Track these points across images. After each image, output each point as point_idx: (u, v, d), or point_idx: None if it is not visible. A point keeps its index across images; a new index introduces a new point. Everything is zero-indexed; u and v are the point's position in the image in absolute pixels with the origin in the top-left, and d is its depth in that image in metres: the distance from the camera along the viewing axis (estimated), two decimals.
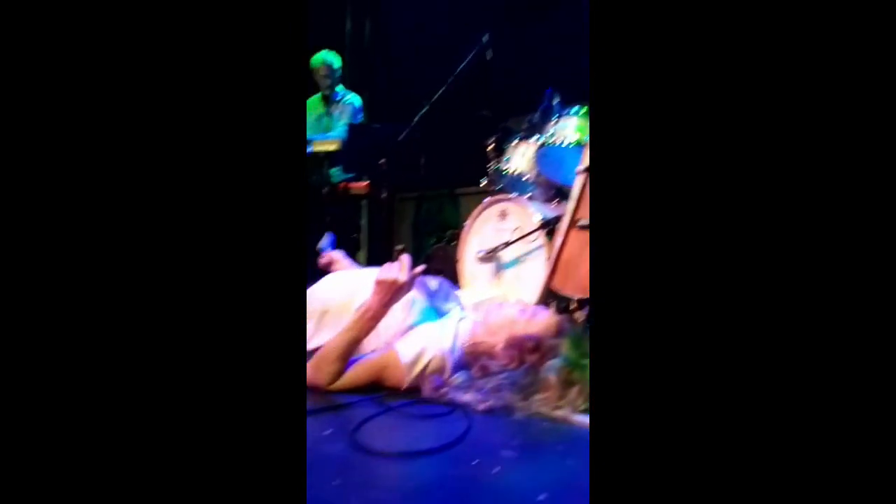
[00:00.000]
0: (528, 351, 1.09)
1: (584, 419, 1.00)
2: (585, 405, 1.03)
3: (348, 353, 1.13)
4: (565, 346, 1.08)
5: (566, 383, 1.04)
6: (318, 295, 1.31)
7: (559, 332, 1.12)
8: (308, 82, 3.09)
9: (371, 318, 1.14)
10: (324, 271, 1.55)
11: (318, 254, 1.61)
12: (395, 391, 1.13)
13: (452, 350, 1.17)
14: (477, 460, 0.80)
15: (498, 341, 1.14)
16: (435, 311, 1.31)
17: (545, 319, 1.16)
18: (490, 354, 1.14)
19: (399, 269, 1.14)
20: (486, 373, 1.09)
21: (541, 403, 1.02)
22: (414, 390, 1.13)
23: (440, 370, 1.14)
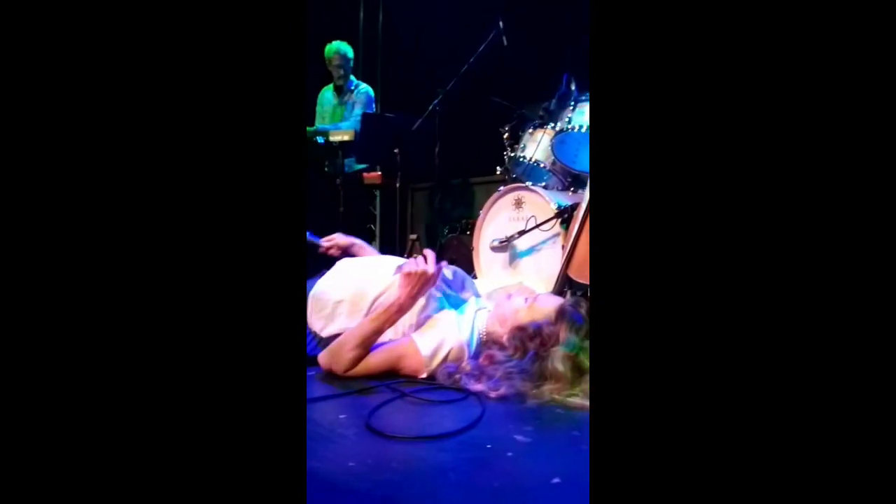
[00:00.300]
0: (528, 339, 1.09)
1: None
2: None
3: (370, 342, 1.14)
4: (565, 332, 1.07)
5: (577, 371, 1.03)
6: (332, 283, 1.31)
7: (559, 318, 1.10)
8: (318, 74, 3.09)
9: (398, 311, 1.15)
10: (326, 257, 1.54)
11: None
12: (412, 378, 1.13)
13: (470, 342, 1.17)
14: (489, 445, 0.80)
15: (506, 331, 1.15)
16: (450, 299, 1.30)
17: (546, 307, 1.15)
18: (500, 344, 1.14)
19: (425, 262, 1.14)
20: (492, 361, 1.09)
21: (553, 391, 1.01)
22: (429, 377, 1.13)
23: (458, 361, 1.14)
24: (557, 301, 1.17)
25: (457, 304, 1.29)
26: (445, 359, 1.13)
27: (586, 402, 0.99)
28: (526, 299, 1.18)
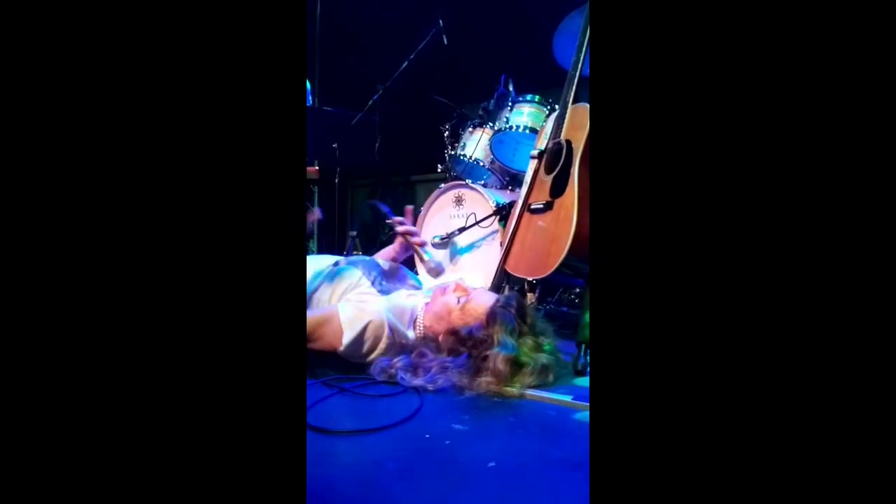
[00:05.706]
0: (461, 343, 1.10)
1: (538, 393, 1.02)
2: (537, 381, 1.06)
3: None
4: (499, 334, 1.07)
5: (514, 367, 1.05)
6: None
7: (490, 322, 1.10)
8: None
9: None
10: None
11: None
12: (331, 352, 1.14)
13: (393, 322, 1.17)
14: (428, 435, 0.81)
15: (441, 328, 1.16)
16: (383, 291, 1.30)
17: (477, 309, 1.14)
18: (436, 342, 1.15)
19: None
20: (422, 357, 1.10)
21: (490, 384, 1.03)
22: (359, 365, 1.13)
23: (377, 339, 1.15)
24: (489, 302, 1.15)
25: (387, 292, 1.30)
26: (363, 334, 1.13)
27: (522, 392, 1.02)
28: (459, 299, 1.17)
